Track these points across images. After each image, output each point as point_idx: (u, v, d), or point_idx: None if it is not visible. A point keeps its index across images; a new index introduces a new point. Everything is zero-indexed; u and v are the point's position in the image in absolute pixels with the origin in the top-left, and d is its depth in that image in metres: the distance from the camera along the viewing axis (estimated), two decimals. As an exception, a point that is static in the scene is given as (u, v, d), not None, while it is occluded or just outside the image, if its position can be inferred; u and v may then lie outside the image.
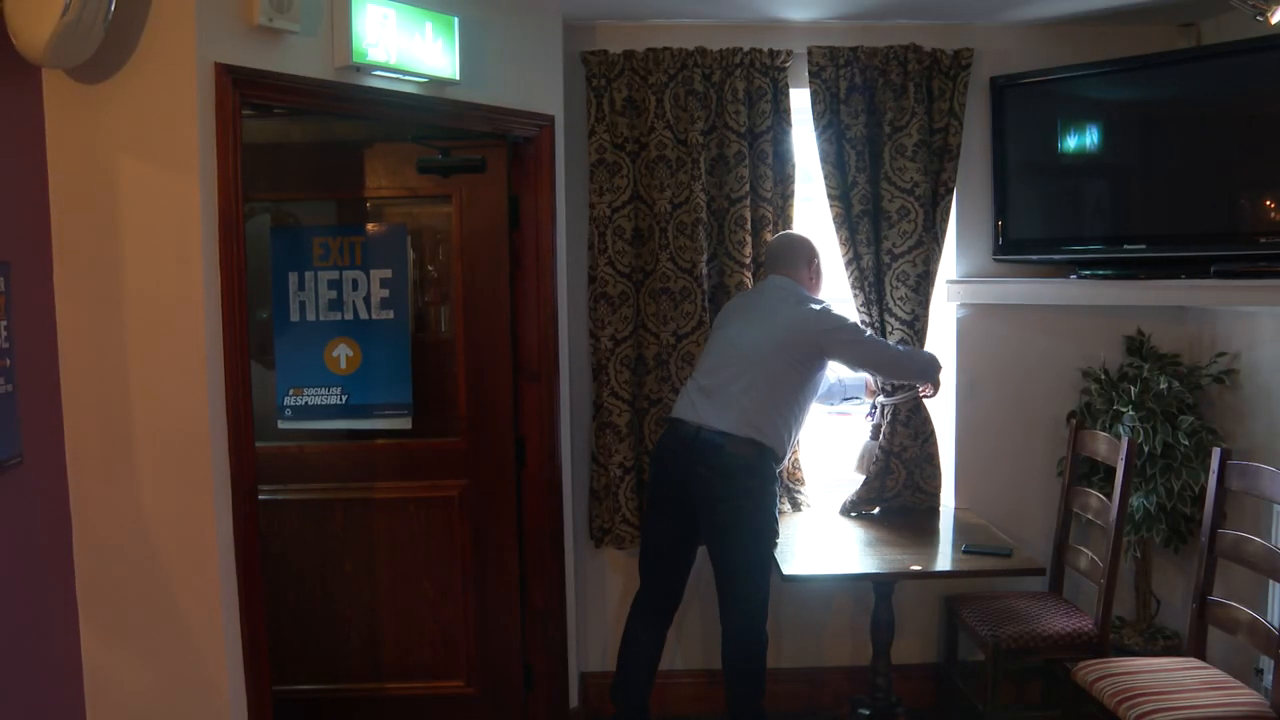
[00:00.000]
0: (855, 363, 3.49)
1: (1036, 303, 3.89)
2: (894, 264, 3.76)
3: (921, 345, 3.78)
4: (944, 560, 3.64)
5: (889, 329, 3.78)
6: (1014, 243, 3.85)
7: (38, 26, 2.21)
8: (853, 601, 3.98)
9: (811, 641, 4.03)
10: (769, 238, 3.76)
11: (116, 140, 2.49)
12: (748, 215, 3.75)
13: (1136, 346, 3.86)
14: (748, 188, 3.74)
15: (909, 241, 3.74)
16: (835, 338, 3.36)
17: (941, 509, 3.94)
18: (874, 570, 3.45)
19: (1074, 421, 3.79)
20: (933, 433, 3.85)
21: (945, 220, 3.79)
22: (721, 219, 3.77)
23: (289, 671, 3.50)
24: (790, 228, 3.78)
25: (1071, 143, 3.75)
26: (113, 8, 2.30)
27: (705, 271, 3.74)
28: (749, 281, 3.77)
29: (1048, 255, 3.83)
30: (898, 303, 3.76)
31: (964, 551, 3.45)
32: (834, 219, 3.77)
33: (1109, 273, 3.67)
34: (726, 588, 3.32)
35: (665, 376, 3.76)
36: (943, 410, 3.92)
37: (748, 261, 3.75)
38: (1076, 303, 3.81)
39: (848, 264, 3.78)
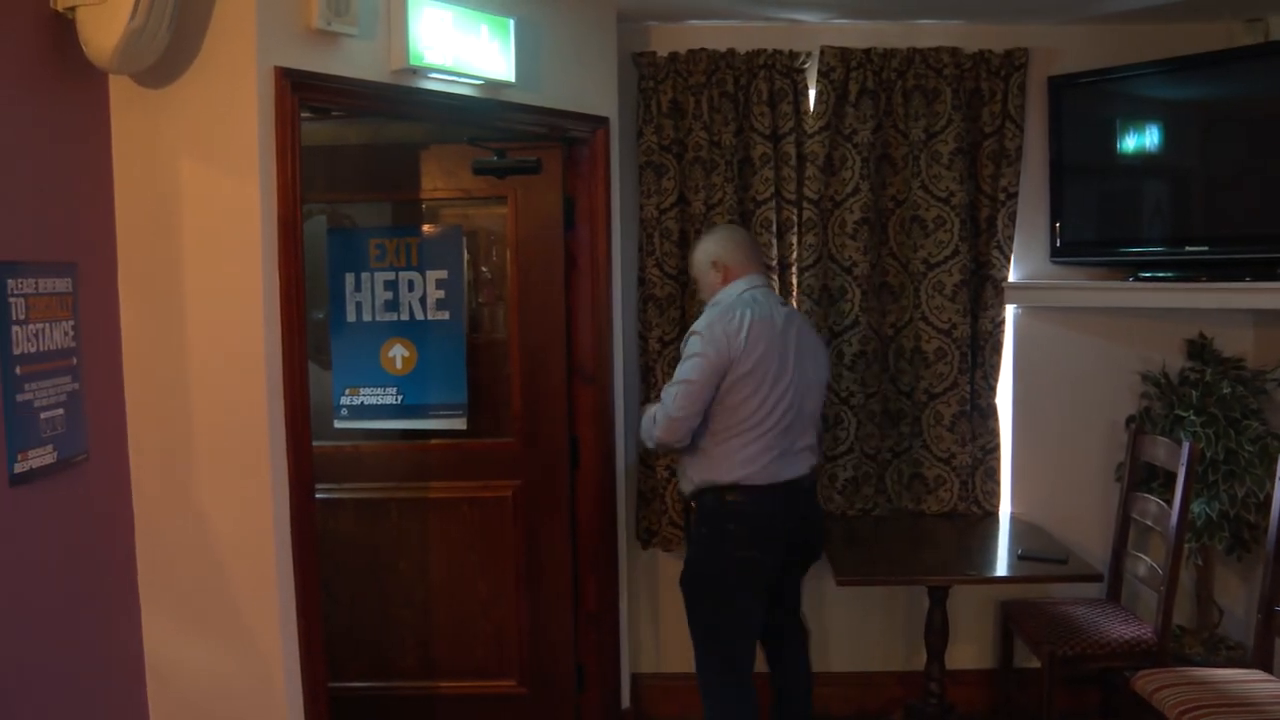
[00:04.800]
0: None
1: (1094, 305, 3.83)
2: (929, 273, 3.73)
3: (968, 354, 3.76)
4: (1000, 565, 3.62)
5: (924, 337, 3.76)
6: (1071, 245, 3.79)
7: (106, 33, 2.26)
8: (907, 605, 3.95)
9: (864, 645, 4.01)
10: (793, 241, 3.76)
11: (179, 143, 2.53)
12: (773, 218, 3.74)
13: (1198, 350, 3.78)
14: (772, 190, 3.73)
15: (945, 251, 3.71)
16: None
17: (996, 513, 3.88)
18: (928, 574, 3.43)
19: (1133, 426, 3.72)
20: (999, 446, 3.83)
21: (1009, 227, 3.76)
22: (748, 221, 3.76)
23: (343, 668, 3.52)
24: (812, 231, 3.74)
25: (1131, 143, 3.68)
26: (175, 13, 2.34)
27: None
28: (776, 284, 3.74)
29: (1106, 257, 3.77)
30: (934, 312, 3.74)
31: (1020, 557, 3.41)
32: (802, 222, 3.74)
33: (1170, 275, 3.61)
34: (797, 605, 3.38)
35: None
36: (1001, 414, 3.87)
37: (773, 264, 3.75)
38: (1136, 305, 3.75)
39: (801, 269, 3.78)
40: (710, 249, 3.24)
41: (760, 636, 3.23)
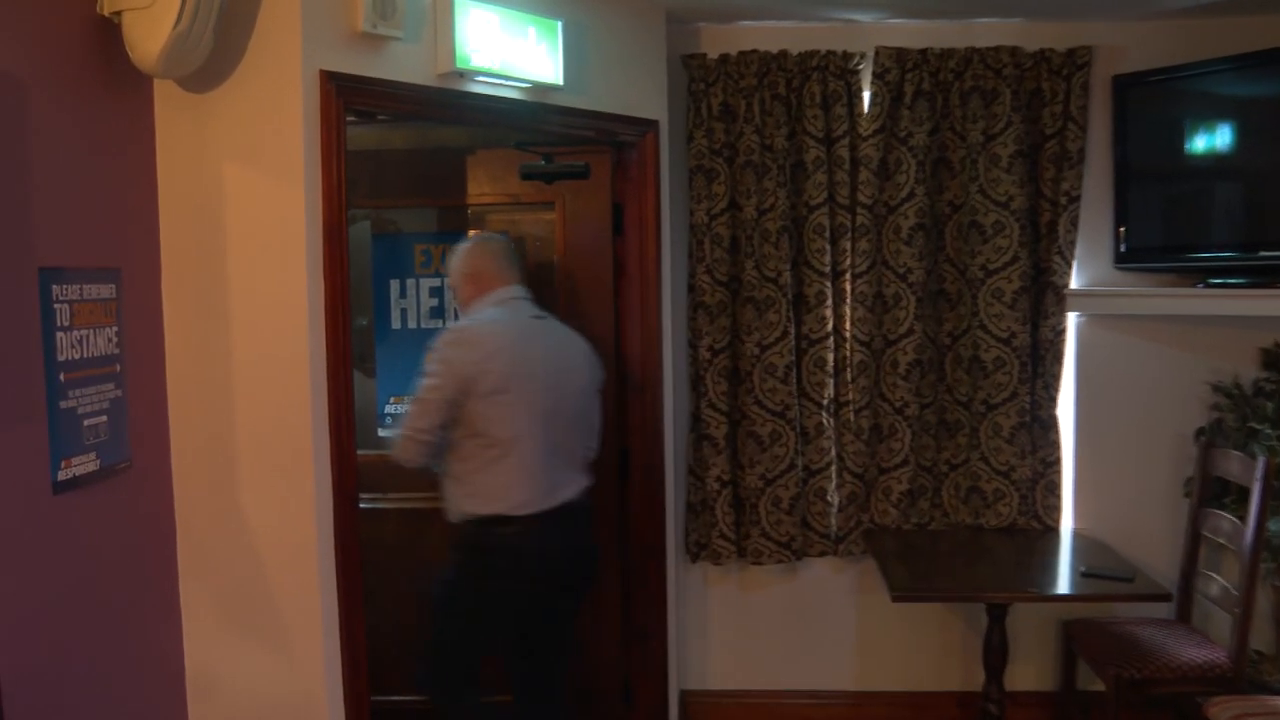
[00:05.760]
0: None
1: (1161, 313, 3.71)
2: (988, 280, 3.65)
3: (1028, 364, 3.66)
4: (1062, 583, 3.54)
5: (982, 346, 3.67)
6: (1136, 250, 3.67)
7: (152, 38, 2.26)
8: (964, 623, 3.86)
9: (919, 664, 3.92)
10: (846, 247, 3.69)
11: (223, 147, 2.52)
12: (826, 223, 3.67)
13: (1273, 359, 3.64)
14: (825, 195, 3.67)
15: (1004, 257, 3.62)
16: None
17: (1057, 528, 3.78)
18: (987, 591, 3.34)
19: (1203, 439, 3.59)
20: (1060, 458, 3.73)
21: (1072, 232, 3.66)
22: (801, 226, 3.70)
23: (385, 681, 3.46)
24: (866, 236, 3.67)
25: (1200, 143, 3.56)
26: (220, 17, 2.33)
27: (789, 280, 3.68)
28: (828, 291, 3.69)
29: (1173, 263, 3.65)
30: (992, 320, 3.65)
31: (1083, 574, 3.31)
32: (855, 227, 3.68)
33: (1242, 281, 3.48)
34: (563, 647, 3.17)
35: (750, 389, 3.71)
36: (1062, 426, 3.76)
37: (826, 270, 3.69)
38: (1205, 313, 3.63)
39: (855, 276, 3.69)
40: (463, 261, 3.08)
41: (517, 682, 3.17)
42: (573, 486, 2.99)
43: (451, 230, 3.70)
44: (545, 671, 3.15)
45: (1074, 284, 3.72)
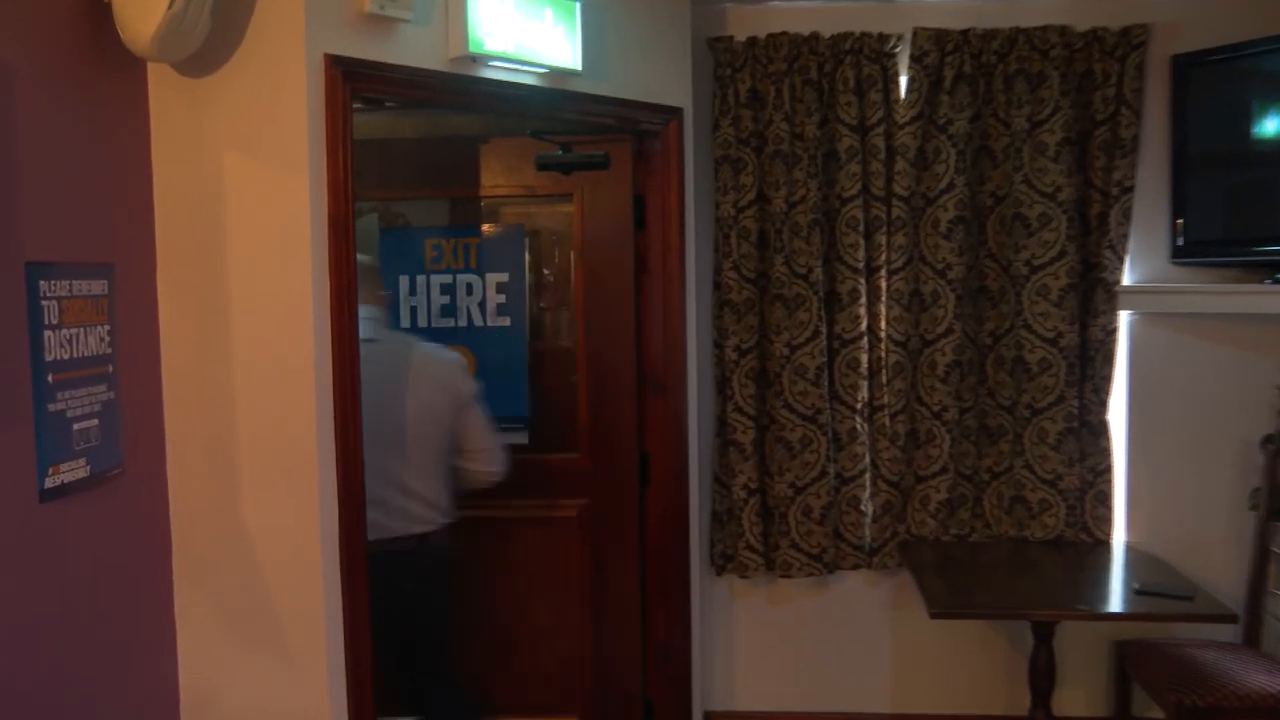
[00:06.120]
0: None
1: (1223, 311, 3.56)
2: (1033, 276, 3.53)
3: (1076, 366, 3.53)
4: (1114, 601, 3.38)
5: (1026, 347, 3.55)
6: (1196, 244, 3.53)
7: (145, 19, 2.18)
8: (1008, 642, 3.74)
9: (959, 685, 3.81)
10: (882, 241, 3.61)
11: (222, 136, 2.45)
12: (860, 216, 3.58)
13: (1349, 362, 3.47)
14: (859, 186, 3.58)
15: (1051, 252, 3.51)
16: None
17: (1108, 541, 3.65)
18: (1033, 608, 3.22)
19: (1271, 447, 3.42)
20: (1111, 467, 3.60)
21: (1124, 224, 3.54)
22: (833, 220, 3.61)
23: (393, 701, 3.36)
24: (903, 230, 3.57)
25: (1270, 127, 3.38)
26: (217, -4, 2.26)
27: (820, 277, 3.58)
28: (862, 289, 3.59)
29: (1237, 257, 3.50)
30: (1037, 319, 3.53)
31: (1137, 591, 3.17)
32: (891, 221, 3.58)
33: (1315, 277, 3.31)
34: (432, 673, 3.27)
35: (779, 392, 3.63)
36: (1113, 432, 3.63)
37: (860, 266, 3.60)
38: (1273, 311, 3.46)
39: (890, 272, 3.60)
40: None
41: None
42: (394, 525, 2.97)
43: (464, 224, 3.65)
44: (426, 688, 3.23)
45: (1126, 280, 3.61)
